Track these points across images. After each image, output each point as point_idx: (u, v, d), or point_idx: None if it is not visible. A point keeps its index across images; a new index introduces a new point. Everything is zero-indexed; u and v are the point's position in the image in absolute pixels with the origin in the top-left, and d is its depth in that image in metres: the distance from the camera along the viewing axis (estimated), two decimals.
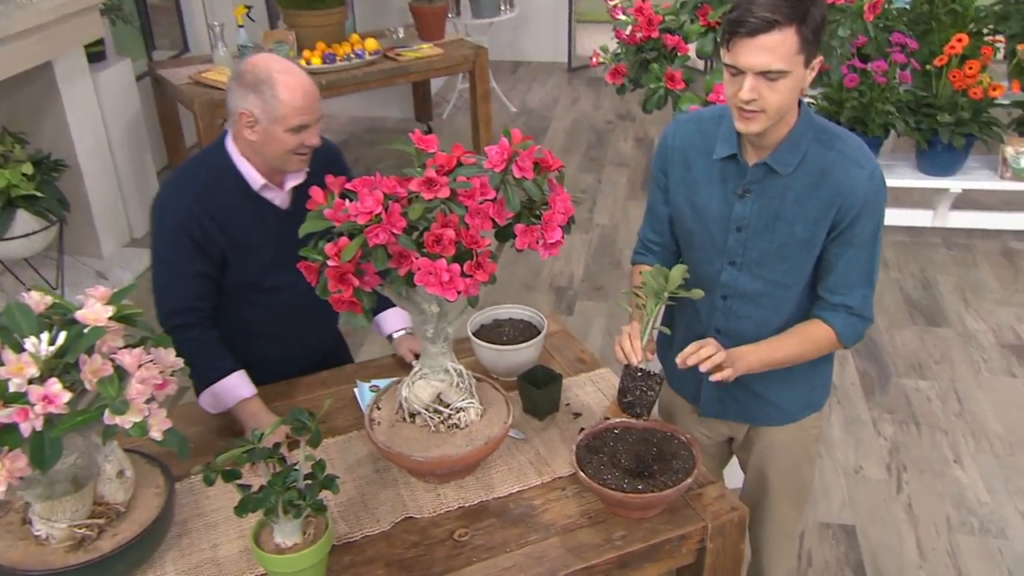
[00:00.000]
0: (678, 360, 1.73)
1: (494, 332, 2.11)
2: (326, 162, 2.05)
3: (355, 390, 2.11)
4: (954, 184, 4.42)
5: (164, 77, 4.75)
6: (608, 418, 1.92)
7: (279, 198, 2.04)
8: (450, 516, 1.73)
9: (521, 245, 1.60)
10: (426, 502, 1.76)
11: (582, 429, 1.90)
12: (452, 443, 1.74)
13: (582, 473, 1.68)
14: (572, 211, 1.63)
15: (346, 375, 2.18)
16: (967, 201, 4.70)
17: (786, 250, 1.79)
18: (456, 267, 1.52)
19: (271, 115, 1.89)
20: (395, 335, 2.23)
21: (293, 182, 2.03)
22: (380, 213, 1.49)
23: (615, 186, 5.42)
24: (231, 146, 1.99)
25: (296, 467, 1.52)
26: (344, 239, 1.52)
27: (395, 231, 1.50)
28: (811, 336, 1.82)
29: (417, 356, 2.16)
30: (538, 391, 1.93)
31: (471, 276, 1.54)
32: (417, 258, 1.53)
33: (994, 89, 4.21)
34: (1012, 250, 4.58)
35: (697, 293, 1.78)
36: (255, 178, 2.00)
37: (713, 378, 1.73)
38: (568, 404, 2.02)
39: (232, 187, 1.99)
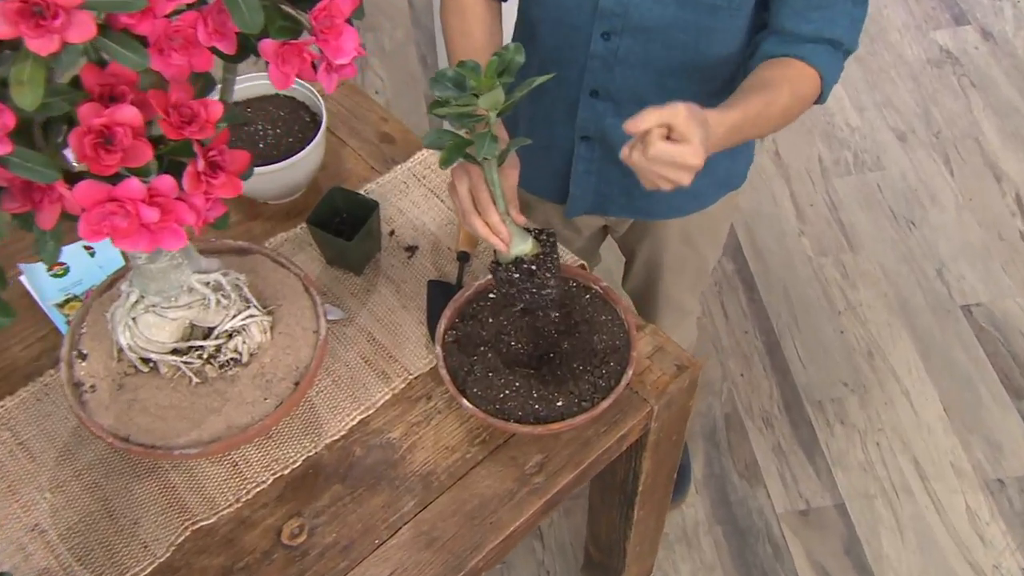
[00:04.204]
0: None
1: (249, 134, 1.27)
2: None
3: (22, 278, 1.25)
4: None
5: None
6: (465, 254, 1.23)
7: None
8: (266, 501, 1.07)
9: (283, 83, 0.76)
10: (216, 486, 1.07)
11: (433, 283, 1.21)
12: (238, 398, 1.02)
13: (467, 402, 1.04)
14: None
15: None
16: None
17: None
18: (168, 183, 0.69)
19: None
20: None
21: None
22: None
23: None
24: None
25: None
26: None
27: None
28: (798, 85, 1.09)
29: None
30: (347, 242, 1.18)
31: (207, 192, 0.71)
32: (69, 189, 0.67)
33: None
34: None
35: (546, 77, 1.00)
36: None
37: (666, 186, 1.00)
38: (392, 232, 1.29)
39: None
